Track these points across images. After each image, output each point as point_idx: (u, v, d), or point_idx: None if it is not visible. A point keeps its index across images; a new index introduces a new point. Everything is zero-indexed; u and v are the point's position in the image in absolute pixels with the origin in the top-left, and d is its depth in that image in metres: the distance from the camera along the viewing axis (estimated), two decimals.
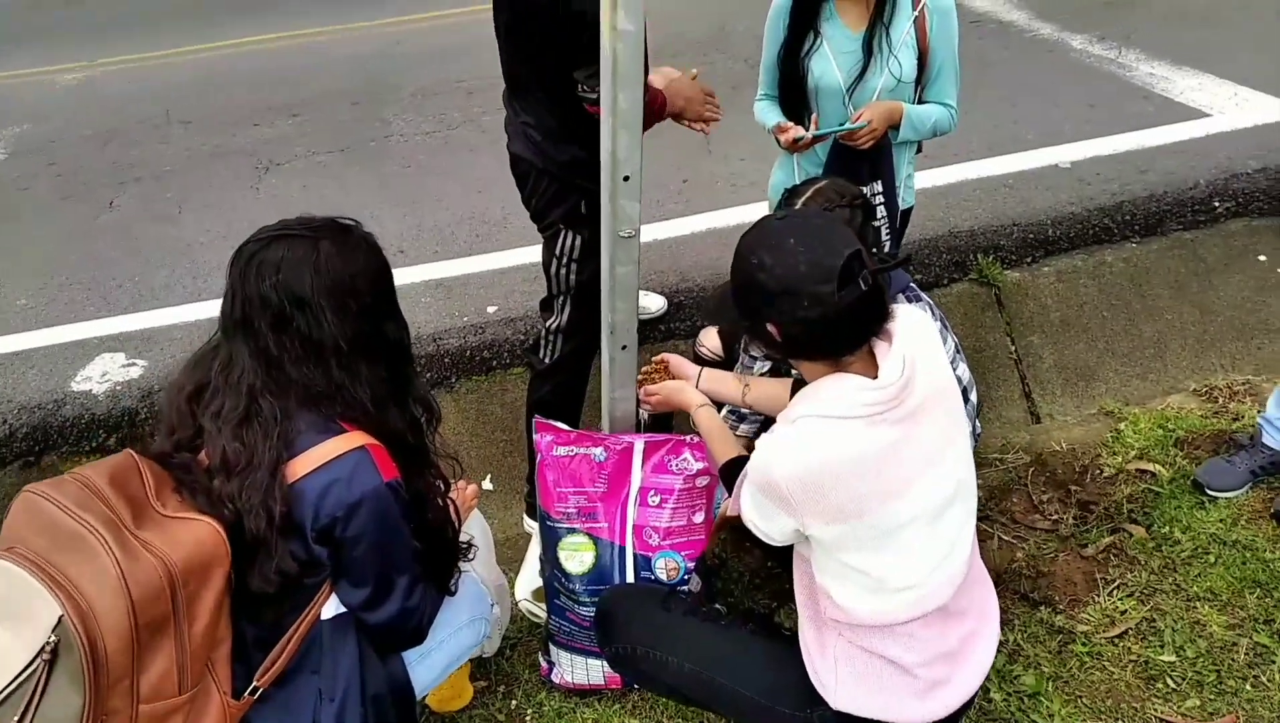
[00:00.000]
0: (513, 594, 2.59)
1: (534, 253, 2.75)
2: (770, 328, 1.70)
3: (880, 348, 1.73)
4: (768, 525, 1.77)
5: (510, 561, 2.99)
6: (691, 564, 2.19)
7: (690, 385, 2.27)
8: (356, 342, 1.76)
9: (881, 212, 2.90)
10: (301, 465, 1.73)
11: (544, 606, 2.48)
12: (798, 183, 2.57)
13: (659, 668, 1.99)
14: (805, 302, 1.63)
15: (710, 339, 2.91)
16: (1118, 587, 2.54)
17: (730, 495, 1.96)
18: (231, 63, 6.92)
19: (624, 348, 2.13)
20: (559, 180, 2.54)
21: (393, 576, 1.84)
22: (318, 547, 1.76)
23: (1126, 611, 2.47)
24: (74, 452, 3.47)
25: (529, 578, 2.55)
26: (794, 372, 2.70)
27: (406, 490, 1.83)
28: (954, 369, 2.51)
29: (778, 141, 2.82)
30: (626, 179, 1.92)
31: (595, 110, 2.27)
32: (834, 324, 1.65)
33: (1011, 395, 3.67)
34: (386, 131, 5.57)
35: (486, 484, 3.47)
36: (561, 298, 2.69)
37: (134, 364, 3.76)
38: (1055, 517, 2.85)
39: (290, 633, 1.81)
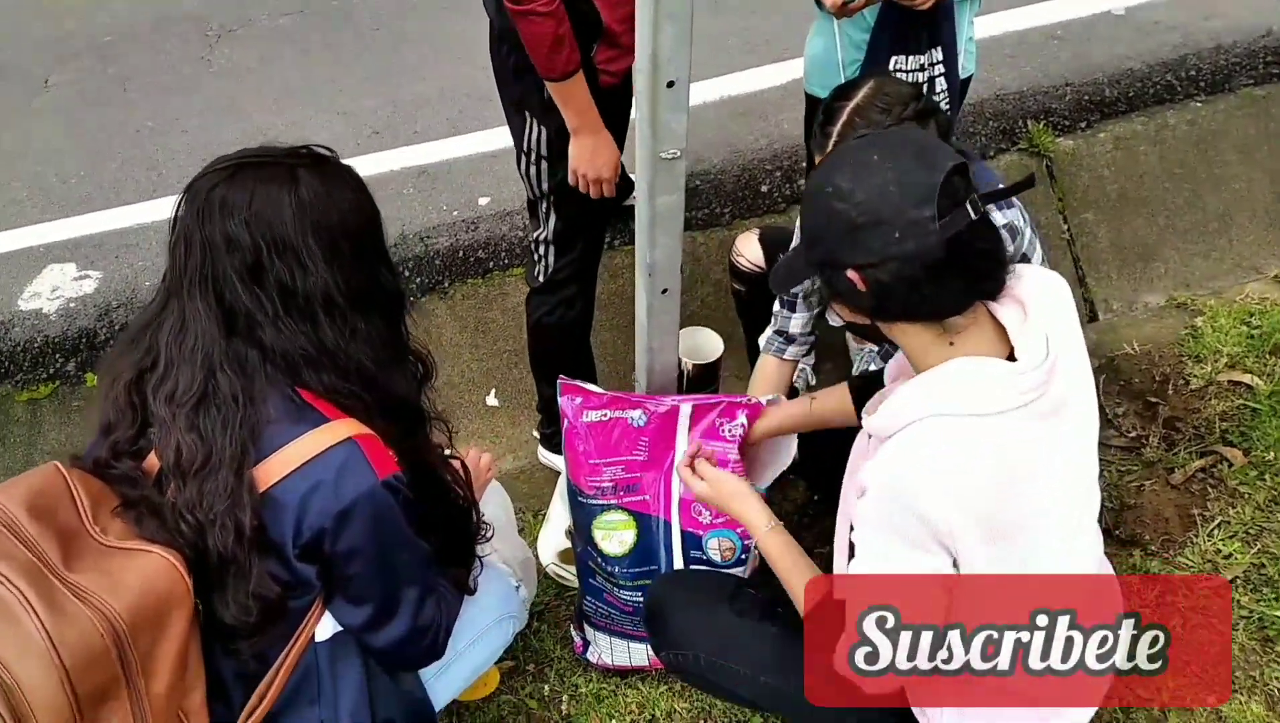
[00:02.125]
0: (537, 557, 2.28)
1: None
2: (852, 276, 1.30)
3: (1008, 315, 1.35)
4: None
5: (527, 496, 2.68)
6: (748, 541, 1.86)
7: (753, 493, 1.71)
8: (352, 293, 1.42)
9: (941, 84, 2.49)
10: (276, 468, 1.39)
11: (573, 568, 2.18)
12: (841, 82, 2.13)
13: (728, 678, 1.67)
14: (897, 233, 1.24)
15: (749, 248, 2.50)
16: (1219, 525, 2.25)
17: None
18: None
19: (665, 292, 1.74)
20: (517, 51, 2.03)
21: (398, 590, 1.52)
22: (302, 565, 1.43)
23: (1231, 554, 2.18)
24: (29, 380, 3.12)
25: (555, 538, 2.24)
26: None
27: (411, 477, 1.50)
28: (1030, 256, 2.13)
29: (819, 4, 2.37)
30: (671, 85, 1.49)
31: None
32: (936, 267, 1.25)
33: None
34: None
35: (491, 400, 3.13)
36: (543, 204, 2.25)
37: (86, 276, 3.34)
38: (1135, 434, 2.54)
39: (278, 664, 1.49)
